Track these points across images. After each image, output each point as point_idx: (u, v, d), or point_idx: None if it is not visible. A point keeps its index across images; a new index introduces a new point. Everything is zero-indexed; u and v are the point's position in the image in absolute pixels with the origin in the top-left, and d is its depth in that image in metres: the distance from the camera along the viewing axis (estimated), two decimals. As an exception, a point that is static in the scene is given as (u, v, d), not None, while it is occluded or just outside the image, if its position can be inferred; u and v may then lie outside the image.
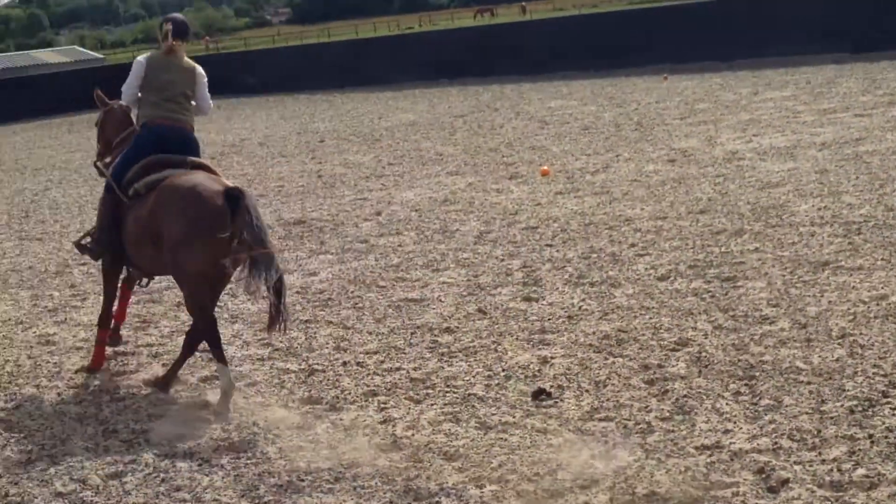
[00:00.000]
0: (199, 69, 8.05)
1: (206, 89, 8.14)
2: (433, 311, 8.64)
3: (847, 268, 8.54)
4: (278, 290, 6.80)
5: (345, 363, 7.58)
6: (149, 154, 7.55)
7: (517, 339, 7.73)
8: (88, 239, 8.03)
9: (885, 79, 21.67)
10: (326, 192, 15.31)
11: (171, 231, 6.96)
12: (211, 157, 20.73)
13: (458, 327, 8.14)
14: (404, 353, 7.66)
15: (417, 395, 6.83)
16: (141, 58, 8.05)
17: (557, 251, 10.21)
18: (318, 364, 7.61)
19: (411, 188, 14.80)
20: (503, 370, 7.10)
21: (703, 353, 7.01)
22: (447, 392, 6.81)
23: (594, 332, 7.67)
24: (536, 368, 7.08)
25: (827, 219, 10.20)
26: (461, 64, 35.71)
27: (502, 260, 10.11)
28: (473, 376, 7.05)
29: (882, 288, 7.91)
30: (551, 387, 6.69)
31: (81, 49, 75.95)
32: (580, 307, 8.32)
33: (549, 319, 8.10)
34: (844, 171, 12.37)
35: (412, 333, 8.11)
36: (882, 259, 8.66)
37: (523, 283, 9.23)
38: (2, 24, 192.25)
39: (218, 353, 7.05)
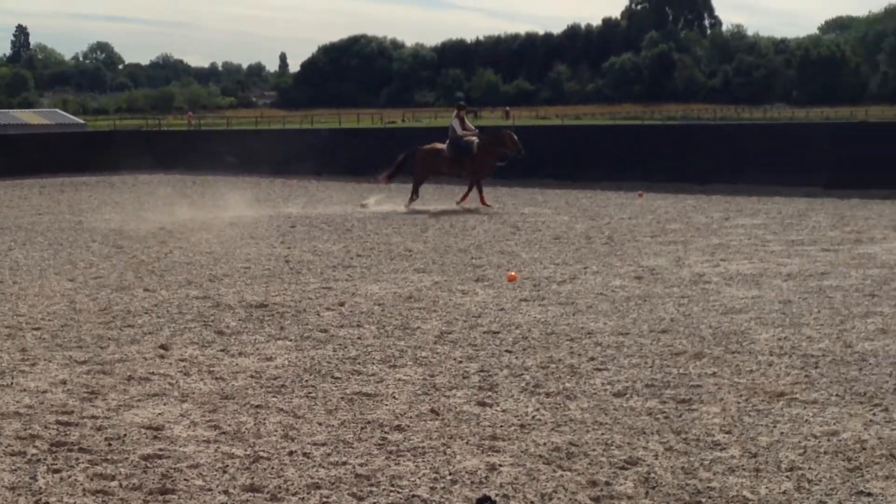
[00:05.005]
0: (467, 122, 26.67)
1: (461, 126, 26.11)
2: (385, 408, 8.57)
3: (801, 400, 8.53)
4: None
5: (291, 452, 7.48)
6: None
7: (467, 443, 7.66)
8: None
9: (853, 216, 21.99)
10: (292, 277, 15.28)
11: None
12: (180, 234, 20.72)
13: (409, 426, 8.07)
14: (352, 448, 7.57)
15: (361, 491, 6.73)
16: (455, 118, 26.73)
17: (516, 358, 10.18)
18: (263, 451, 7.51)
19: (377, 281, 14.79)
20: (450, 474, 7.03)
21: (652, 474, 6.96)
22: (391, 491, 6.72)
23: (545, 443, 7.61)
24: (484, 475, 7.00)
25: (786, 349, 10.23)
26: (439, 162, 35.86)
27: (460, 362, 10.07)
28: (420, 477, 6.97)
29: (834, 424, 7.90)
30: (497, 495, 6.61)
31: (63, 112, 76.06)
32: (533, 416, 8.27)
33: (501, 426, 8.04)
34: (807, 303, 12.46)
35: (362, 428, 8.03)
36: (836, 395, 8.66)
37: (479, 386, 9.18)
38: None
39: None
